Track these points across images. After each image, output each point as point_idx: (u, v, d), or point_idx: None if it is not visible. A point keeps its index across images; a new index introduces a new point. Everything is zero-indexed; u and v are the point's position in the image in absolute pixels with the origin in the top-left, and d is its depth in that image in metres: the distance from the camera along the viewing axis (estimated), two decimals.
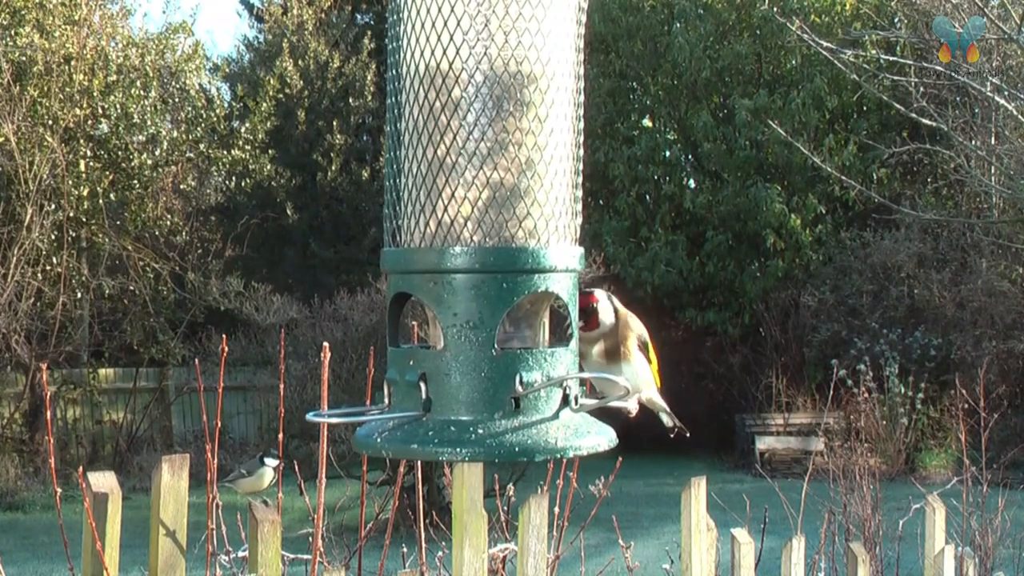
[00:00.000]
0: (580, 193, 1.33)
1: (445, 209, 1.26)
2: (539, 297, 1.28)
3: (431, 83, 1.27)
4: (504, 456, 1.22)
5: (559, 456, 1.24)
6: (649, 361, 1.64)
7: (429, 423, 1.24)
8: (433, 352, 1.26)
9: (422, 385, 1.24)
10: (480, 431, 1.22)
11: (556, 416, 1.26)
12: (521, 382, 1.24)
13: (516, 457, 1.22)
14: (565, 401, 1.27)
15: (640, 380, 1.59)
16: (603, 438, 1.28)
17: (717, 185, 14.70)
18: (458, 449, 1.22)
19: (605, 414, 1.36)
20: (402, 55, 1.30)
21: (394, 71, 1.32)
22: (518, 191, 1.26)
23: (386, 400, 1.30)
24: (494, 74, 1.25)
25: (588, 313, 1.56)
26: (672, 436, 1.78)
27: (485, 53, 1.25)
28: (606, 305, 1.60)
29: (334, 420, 1.32)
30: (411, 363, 1.27)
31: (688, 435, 1.76)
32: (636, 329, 1.62)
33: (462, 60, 1.25)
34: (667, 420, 1.77)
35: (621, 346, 1.59)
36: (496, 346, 1.24)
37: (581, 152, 1.33)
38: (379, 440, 1.25)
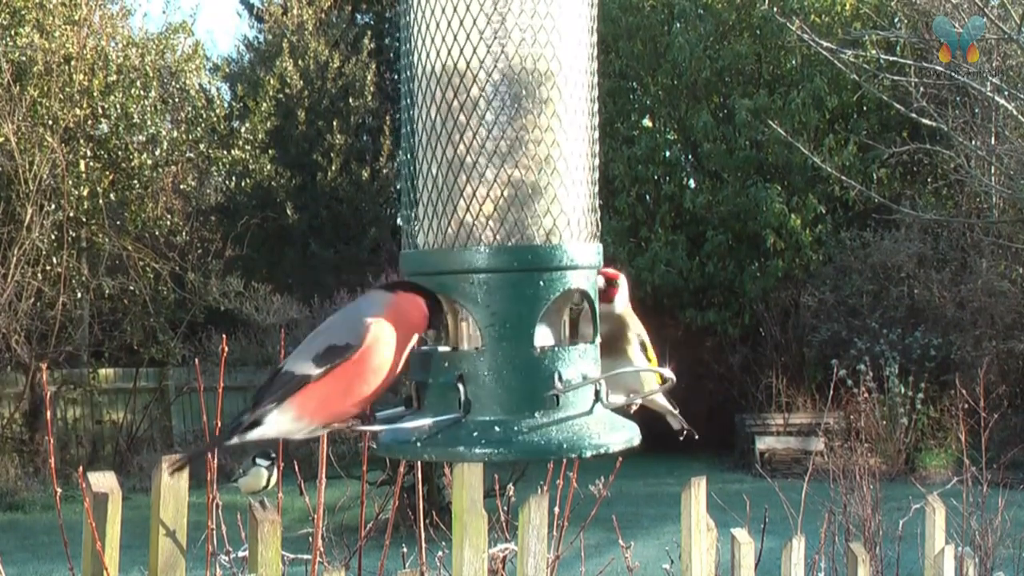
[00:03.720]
0: (597, 189, 1.33)
1: (468, 209, 1.25)
2: (565, 294, 1.28)
3: (448, 83, 1.26)
4: (551, 453, 1.22)
5: (602, 451, 1.24)
6: (649, 360, 1.63)
7: (470, 424, 1.23)
8: (470, 353, 1.25)
9: (460, 387, 1.23)
10: (525, 429, 1.22)
11: (591, 411, 1.26)
12: (560, 379, 1.23)
13: (563, 454, 1.22)
14: (597, 397, 1.27)
15: (642, 378, 1.58)
16: (634, 433, 1.29)
17: (717, 185, 14.70)
18: (505, 448, 1.21)
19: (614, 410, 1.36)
20: (415, 56, 1.29)
21: (407, 72, 1.31)
22: (540, 188, 1.26)
23: (415, 404, 1.29)
24: (511, 72, 1.25)
25: (610, 284, 1.56)
26: (681, 438, 1.76)
27: (503, 51, 1.24)
28: (624, 287, 1.60)
29: (376, 427, 1.28)
30: (445, 365, 1.25)
31: (697, 436, 1.75)
32: (636, 328, 1.62)
33: (479, 59, 1.24)
34: (674, 423, 1.76)
35: (619, 340, 1.58)
36: (535, 344, 1.23)
37: (597, 148, 1.33)
38: (419, 445, 1.23)
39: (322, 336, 1.25)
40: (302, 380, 1.22)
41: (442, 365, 1.26)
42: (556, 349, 1.26)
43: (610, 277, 1.57)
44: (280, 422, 1.23)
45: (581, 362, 1.26)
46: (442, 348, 1.33)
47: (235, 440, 1.25)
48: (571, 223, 1.27)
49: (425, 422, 1.25)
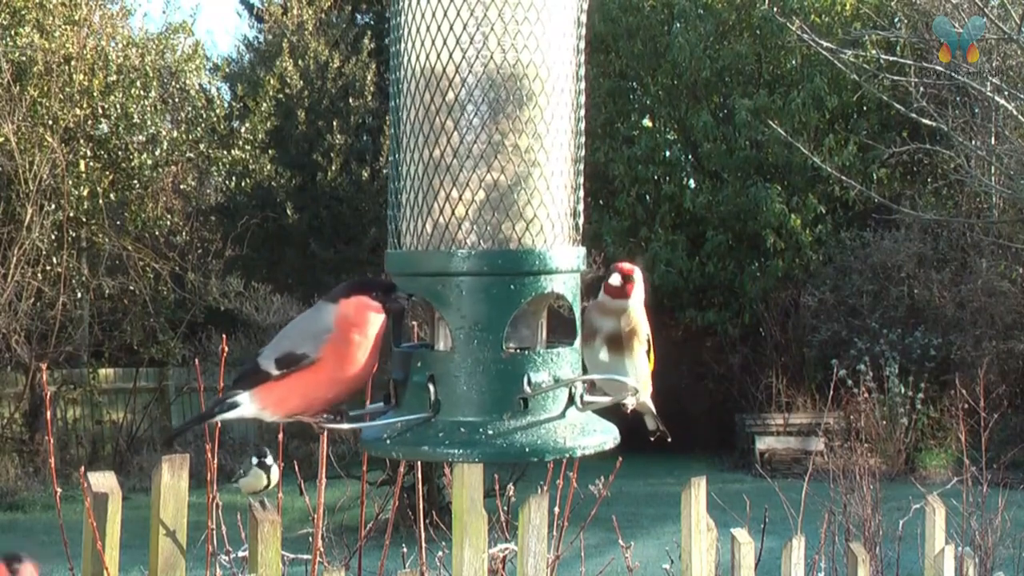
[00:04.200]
0: (582, 194, 1.33)
1: (452, 211, 1.26)
2: (540, 298, 1.28)
3: (427, 85, 1.27)
4: (514, 456, 1.22)
5: (568, 455, 1.24)
6: (648, 361, 1.63)
7: (438, 424, 1.24)
8: (441, 354, 1.26)
9: (430, 387, 1.24)
10: (490, 431, 1.22)
11: (563, 415, 1.26)
12: (529, 383, 1.24)
13: (526, 457, 1.22)
14: (571, 400, 1.27)
15: (640, 378, 1.58)
16: (608, 436, 1.28)
17: (717, 185, 14.70)
18: (469, 450, 1.22)
19: (603, 411, 1.36)
20: (403, 57, 1.30)
21: (395, 74, 1.32)
22: (521, 192, 1.26)
23: (393, 401, 1.30)
24: (493, 76, 1.25)
25: (626, 280, 1.55)
26: (652, 439, 1.76)
27: (480, 55, 1.25)
28: (640, 284, 1.59)
29: (345, 426, 1.32)
30: (419, 365, 1.27)
31: (670, 439, 1.74)
32: (645, 327, 1.61)
33: (468, 62, 1.25)
34: (651, 423, 1.75)
35: (631, 338, 1.57)
36: (504, 347, 1.24)
37: (583, 153, 1.33)
38: (389, 442, 1.25)
39: (286, 340, 1.36)
40: (264, 376, 1.34)
41: (416, 365, 1.27)
42: (526, 352, 1.27)
43: (626, 273, 1.56)
44: (249, 407, 1.36)
45: (553, 365, 1.26)
46: (418, 348, 1.35)
47: (220, 417, 1.38)
48: (547, 228, 1.27)
49: (396, 420, 1.26)
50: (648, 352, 1.61)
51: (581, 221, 1.33)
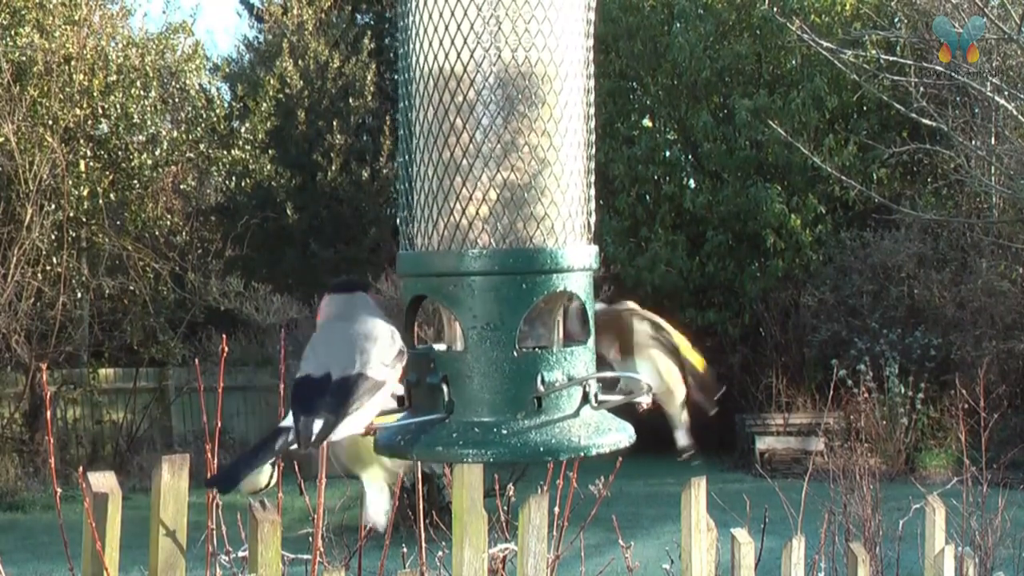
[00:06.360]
0: (593, 192, 1.33)
1: (463, 211, 1.26)
2: (555, 296, 1.28)
3: (437, 85, 1.26)
4: (529, 456, 1.22)
5: (583, 454, 1.24)
6: (674, 365, 1.60)
7: (452, 425, 1.24)
8: (454, 354, 1.26)
9: (444, 387, 1.24)
10: (504, 431, 1.22)
11: (577, 414, 1.26)
12: (543, 382, 1.24)
13: (541, 457, 1.22)
14: (585, 399, 1.27)
15: (663, 378, 1.56)
16: (624, 435, 1.28)
17: (717, 185, 14.70)
18: (483, 450, 1.22)
19: (617, 409, 1.35)
20: (413, 58, 1.30)
21: (405, 74, 1.32)
22: (534, 191, 1.26)
23: (407, 403, 1.30)
24: (507, 75, 1.25)
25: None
26: (679, 459, 1.74)
27: (491, 53, 1.25)
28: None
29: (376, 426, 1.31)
30: (432, 365, 1.26)
31: (698, 462, 1.72)
32: (646, 324, 1.59)
33: (476, 62, 1.25)
34: (681, 439, 1.73)
35: (626, 342, 1.56)
36: (517, 347, 1.24)
37: (593, 151, 1.33)
38: (403, 443, 1.25)
39: (366, 339, 1.28)
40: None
41: (429, 365, 1.27)
42: (539, 351, 1.27)
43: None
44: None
45: (567, 364, 1.26)
46: (432, 349, 1.34)
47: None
48: (559, 227, 1.27)
49: (411, 422, 1.27)
50: (676, 354, 1.59)
51: (593, 219, 1.33)
